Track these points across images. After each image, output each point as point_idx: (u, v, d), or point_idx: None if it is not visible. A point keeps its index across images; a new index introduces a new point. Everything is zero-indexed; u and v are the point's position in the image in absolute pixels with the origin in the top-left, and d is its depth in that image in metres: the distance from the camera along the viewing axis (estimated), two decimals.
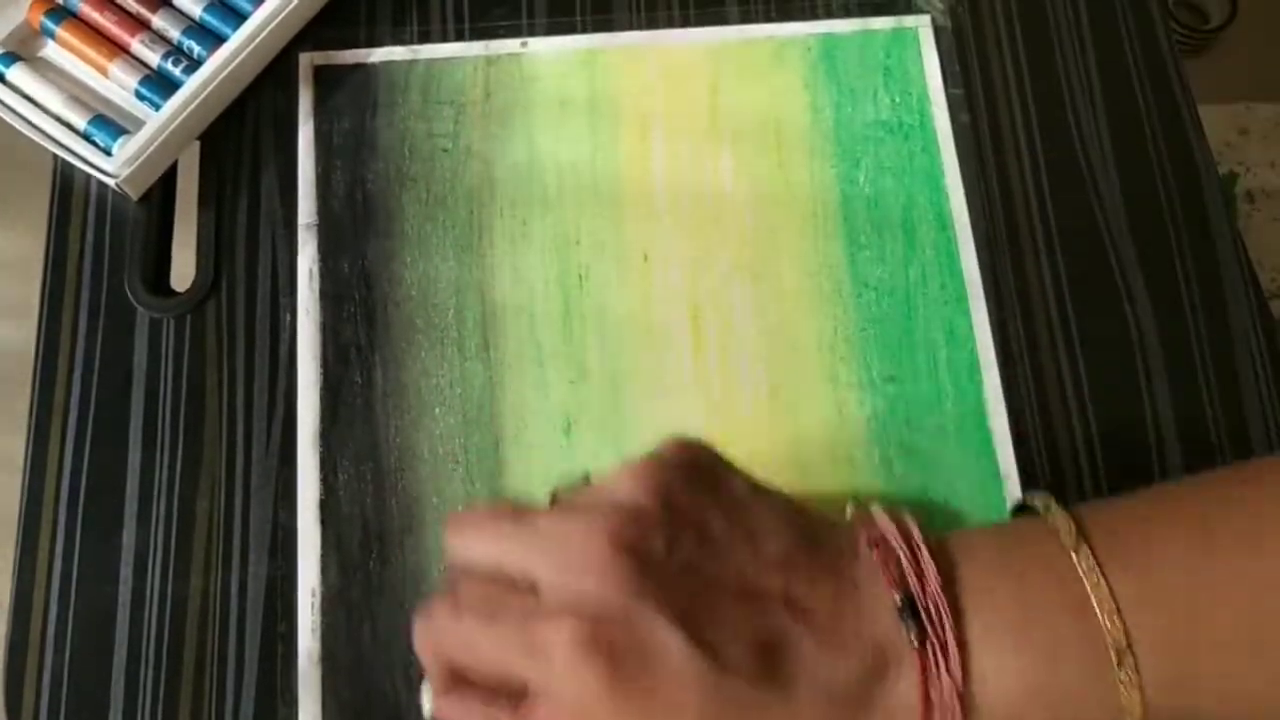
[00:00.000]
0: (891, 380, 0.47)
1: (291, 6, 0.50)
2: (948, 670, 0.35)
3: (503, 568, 0.35)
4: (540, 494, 0.45)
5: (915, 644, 0.34)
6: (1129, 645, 0.35)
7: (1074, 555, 0.36)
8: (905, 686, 0.35)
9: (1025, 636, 0.35)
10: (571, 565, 0.34)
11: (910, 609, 0.35)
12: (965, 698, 0.35)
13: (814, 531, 0.36)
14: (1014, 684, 0.35)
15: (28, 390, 0.48)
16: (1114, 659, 0.35)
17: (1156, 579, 0.36)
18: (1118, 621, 0.35)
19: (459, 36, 0.53)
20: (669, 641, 0.33)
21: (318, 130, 0.51)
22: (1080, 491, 0.45)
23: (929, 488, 0.45)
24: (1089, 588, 0.35)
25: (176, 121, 0.49)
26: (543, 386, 0.47)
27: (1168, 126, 0.51)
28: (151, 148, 0.48)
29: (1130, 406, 0.47)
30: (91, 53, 0.51)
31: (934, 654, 0.35)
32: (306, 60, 0.52)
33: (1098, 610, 0.35)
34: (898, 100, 0.51)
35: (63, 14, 0.51)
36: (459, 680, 0.36)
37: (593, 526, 0.34)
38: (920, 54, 0.52)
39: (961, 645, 0.35)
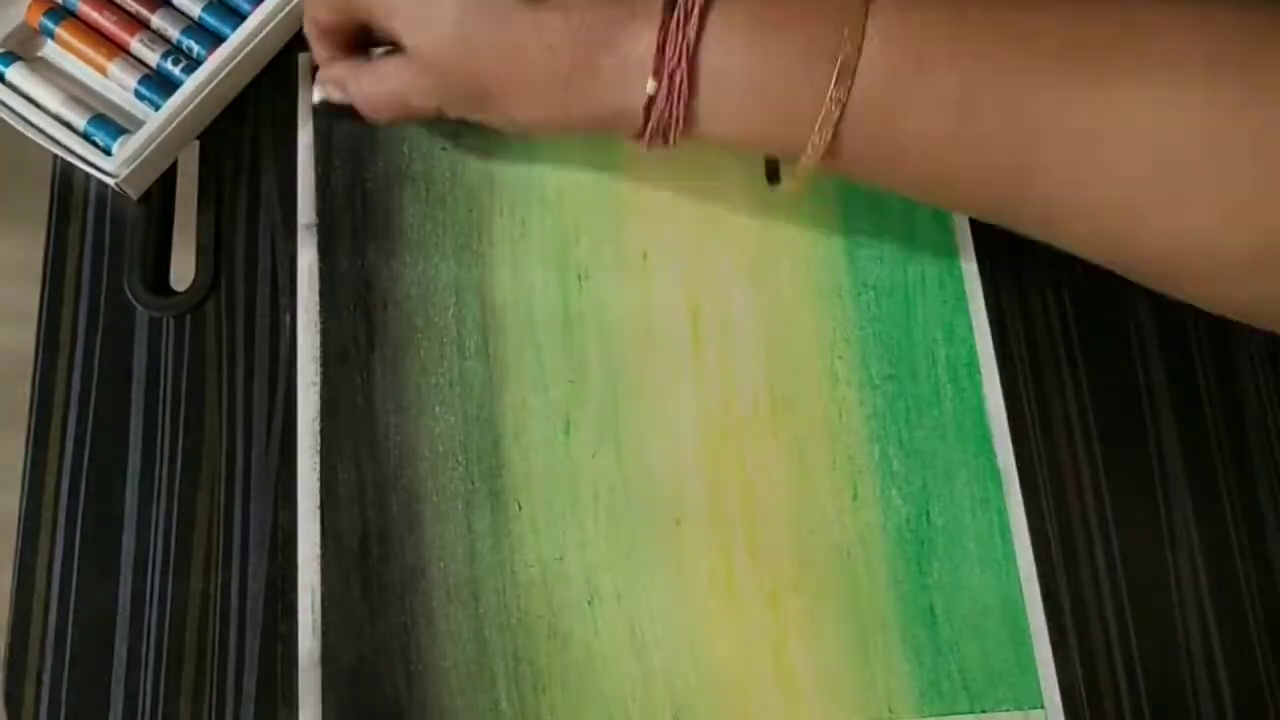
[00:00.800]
0: (891, 379, 0.47)
1: (290, 6, 0.50)
2: (683, 31, 0.39)
3: None
4: (540, 493, 0.46)
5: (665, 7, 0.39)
6: (853, 70, 0.37)
7: None
8: (646, 38, 0.39)
9: (763, 30, 0.39)
10: None
11: None
12: (694, 61, 0.39)
13: None
14: (738, 62, 0.39)
15: (27, 391, 0.48)
16: (834, 73, 0.37)
17: (913, 23, 0.38)
18: (855, 43, 0.37)
19: None
20: None
21: (317, 130, 0.51)
22: (1079, 485, 0.45)
23: (928, 485, 0.45)
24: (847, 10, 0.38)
25: (176, 121, 0.49)
26: (542, 385, 0.47)
27: None
28: (151, 147, 0.48)
29: (1127, 398, 0.47)
30: (91, 52, 0.51)
31: (679, 15, 0.39)
32: (305, 59, 0.52)
33: (845, 31, 0.38)
34: None
35: (62, 14, 0.51)
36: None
37: None
38: None
39: (703, 16, 0.38)
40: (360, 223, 0.50)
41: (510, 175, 0.51)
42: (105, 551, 0.45)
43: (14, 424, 0.49)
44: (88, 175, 0.50)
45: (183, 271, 0.50)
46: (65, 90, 0.50)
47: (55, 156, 0.51)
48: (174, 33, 0.51)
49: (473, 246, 0.49)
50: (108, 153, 0.49)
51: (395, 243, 0.50)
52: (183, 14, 0.52)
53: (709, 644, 0.44)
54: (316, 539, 0.45)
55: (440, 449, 0.46)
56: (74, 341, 0.48)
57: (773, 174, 0.48)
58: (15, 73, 0.50)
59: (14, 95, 0.50)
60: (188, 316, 0.49)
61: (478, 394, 0.47)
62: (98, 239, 0.50)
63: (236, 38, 0.50)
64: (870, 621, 0.44)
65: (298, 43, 0.52)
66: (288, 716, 0.43)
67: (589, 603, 0.44)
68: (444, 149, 0.51)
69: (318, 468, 0.46)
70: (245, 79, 0.52)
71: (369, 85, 0.45)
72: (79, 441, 0.47)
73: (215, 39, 0.50)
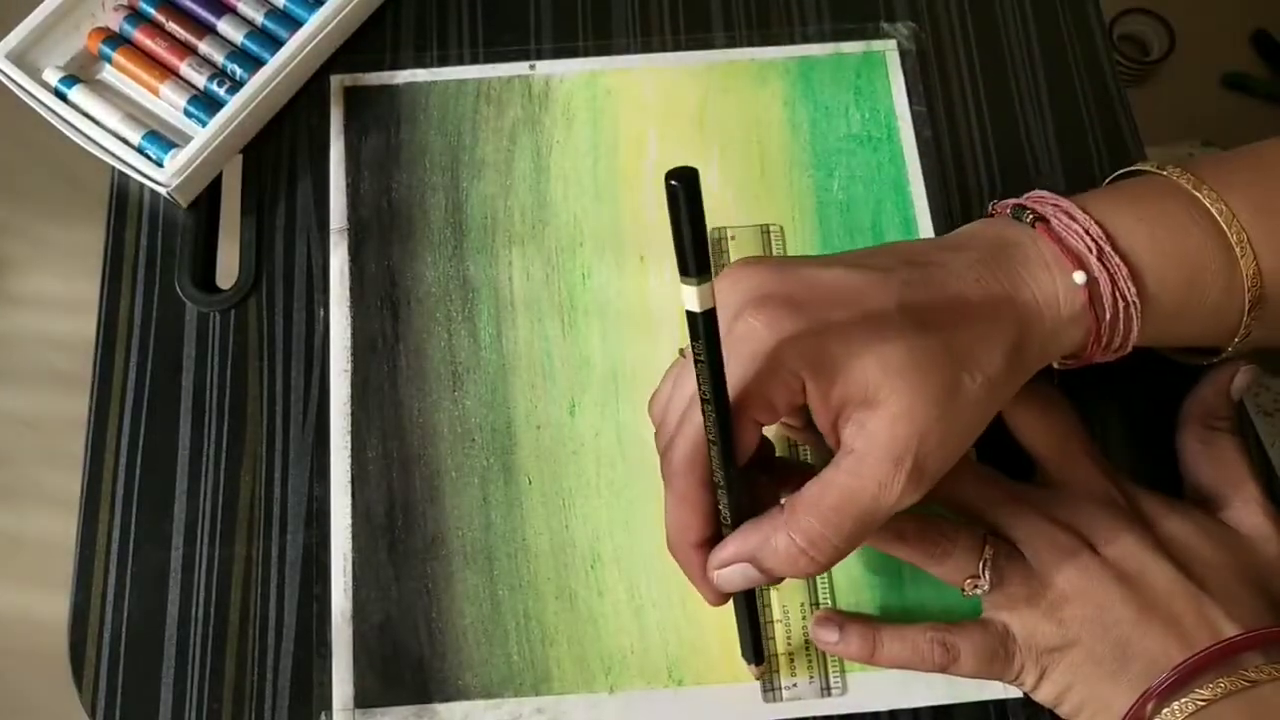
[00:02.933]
0: None
1: (324, 33, 0.52)
2: (1077, 221, 0.40)
3: None
4: (548, 469, 0.47)
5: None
6: (1248, 242, 0.40)
7: (1184, 182, 0.41)
8: (1036, 247, 0.40)
9: (1147, 219, 0.40)
10: None
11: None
12: (1103, 232, 0.40)
13: None
14: (1143, 242, 0.40)
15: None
16: (1235, 243, 0.40)
17: (1268, 193, 0.40)
18: (1235, 224, 0.40)
19: (474, 60, 0.55)
20: None
21: (348, 145, 0.53)
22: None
23: None
24: (1205, 200, 0.41)
25: (221, 137, 0.50)
26: (550, 373, 0.49)
27: (1110, 142, 0.53)
28: (199, 160, 0.50)
29: (1082, 390, 0.48)
30: (144, 75, 0.52)
31: (1057, 219, 0.40)
32: (338, 82, 0.54)
33: (1213, 212, 0.40)
34: (867, 116, 0.53)
35: (118, 40, 0.53)
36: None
37: None
38: (888, 75, 0.54)
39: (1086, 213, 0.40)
40: (387, 228, 0.52)
41: (521, 185, 0.52)
42: (159, 521, 0.47)
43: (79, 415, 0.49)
44: (142, 185, 0.52)
45: (227, 271, 0.52)
46: (122, 109, 0.52)
47: (113, 168, 0.53)
48: (219, 57, 0.53)
49: (488, 249, 0.51)
50: (160, 165, 0.51)
51: (418, 245, 0.51)
52: (227, 41, 0.53)
53: (699, 604, 0.43)
54: (348, 510, 0.47)
55: (459, 429, 0.48)
56: (130, 334, 0.50)
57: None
58: (77, 94, 0.52)
59: (76, 114, 0.51)
60: (232, 311, 0.50)
61: (492, 380, 0.49)
62: (151, 242, 0.52)
63: (276, 61, 0.52)
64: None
65: (331, 66, 0.54)
66: (322, 667, 0.45)
67: (591, 567, 0.46)
68: (462, 161, 0.53)
69: (349, 446, 0.48)
70: (283, 99, 0.53)
71: (809, 517, 0.37)
72: (135, 422, 0.48)
73: (257, 63, 0.52)
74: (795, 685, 0.45)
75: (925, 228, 0.52)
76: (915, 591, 0.46)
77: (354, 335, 0.50)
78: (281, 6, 0.54)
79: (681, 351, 0.37)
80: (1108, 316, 0.40)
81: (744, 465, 0.38)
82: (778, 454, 0.48)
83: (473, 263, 0.51)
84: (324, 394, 0.49)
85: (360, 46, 0.56)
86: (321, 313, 0.51)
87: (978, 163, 0.53)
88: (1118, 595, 0.41)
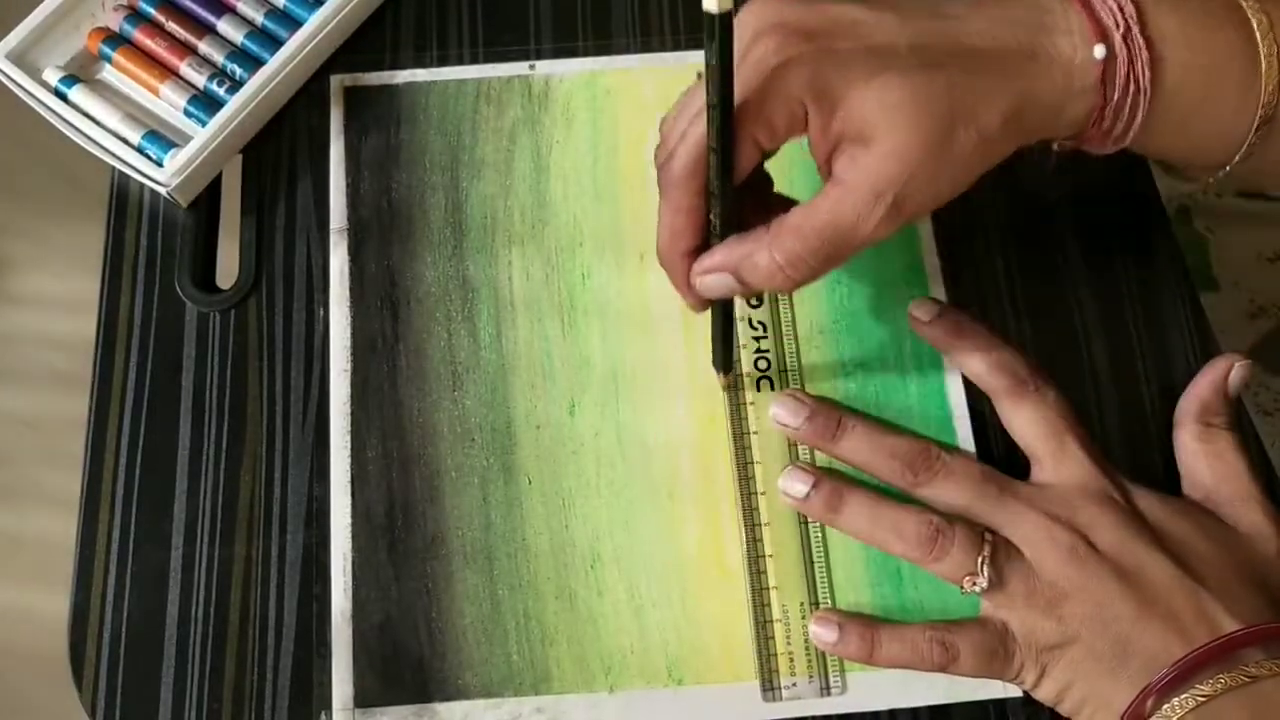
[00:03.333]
0: (861, 366, 0.49)
1: (324, 33, 0.52)
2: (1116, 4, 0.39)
3: None
4: (548, 469, 0.47)
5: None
6: (1275, 56, 0.40)
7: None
8: (1065, 14, 0.39)
9: (1182, 9, 0.40)
10: None
11: None
12: (1136, 12, 0.39)
13: None
14: (1172, 31, 0.40)
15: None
16: (1263, 54, 0.40)
17: None
18: (1270, 37, 0.40)
19: (474, 60, 0.55)
20: None
21: (348, 145, 0.53)
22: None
23: None
24: (1247, 8, 0.40)
25: (221, 136, 0.50)
26: (550, 372, 0.49)
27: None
28: (199, 160, 0.50)
29: (1074, 387, 0.49)
30: (144, 75, 0.52)
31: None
32: (337, 82, 0.54)
33: (1252, 21, 0.40)
34: None
35: (118, 40, 0.53)
36: None
37: None
38: None
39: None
40: (387, 228, 0.52)
41: (521, 185, 0.52)
42: (159, 521, 0.47)
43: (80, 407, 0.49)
44: (142, 185, 0.52)
45: (227, 271, 0.51)
46: (122, 109, 0.52)
47: (113, 168, 0.52)
48: (219, 57, 0.53)
49: (488, 249, 0.51)
50: (160, 165, 0.51)
51: (418, 245, 0.51)
52: (227, 41, 0.53)
53: (699, 604, 0.45)
54: (348, 510, 0.47)
55: (459, 429, 0.48)
56: (130, 334, 0.50)
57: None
58: (77, 93, 0.52)
59: (76, 114, 0.51)
60: (232, 311, 0.50)
61: (492, 380, 0.49)
62: (151, 242, 0.52)
63: (275, 61, 0.52)
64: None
65: (331, 66, 0.54)
66: (322, 667, 0.45)
67: (591, 567, 0.46)
68: (462, 161, 0.53)
69: (349, 446, 0.48)
70: (283, 99, 0.53)
71: (791, 238, 0.39)
72: (135, 422, 0.48)
73: (256, 63, 0.52)
74: (795, 685, 0.45)
75: (924, 224, 0.52)
76: (914, 591, 0.46)
77: (354, 335, 0.50)
78: (281, 6, 0.54)
79: (699, 74, 0.38)
80: (1115, 98, 0.40)
81: (740, 185, 0.40)
82: (787, 462, 0.48)
83: (472, 263, 0.51)
84: (324, 394, 0.49)
85: (360, 46, 0.56)
86: (321, 312, 0.51)
87: None
88: (1116, 592, 0.41)
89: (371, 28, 0.56)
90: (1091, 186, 0.53)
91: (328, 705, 0.44)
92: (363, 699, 0.44)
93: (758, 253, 0.40)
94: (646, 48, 0.55)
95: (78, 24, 0.54)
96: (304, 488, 0.48)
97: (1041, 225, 0.52)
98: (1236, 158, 0.42)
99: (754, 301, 0.51)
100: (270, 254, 0.52)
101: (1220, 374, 0.47)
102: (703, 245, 0.42)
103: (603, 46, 0.56)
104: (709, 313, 0.46)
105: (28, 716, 1.16)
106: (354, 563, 0.46)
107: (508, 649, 0.45)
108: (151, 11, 0.54)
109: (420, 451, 0.48)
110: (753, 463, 0.48)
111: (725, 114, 0.37)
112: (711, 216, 0.41)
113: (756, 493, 0.48)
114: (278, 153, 0.54)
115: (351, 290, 0.51)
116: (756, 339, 0.50)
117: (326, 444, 0.48)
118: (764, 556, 0.47)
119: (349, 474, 0.48)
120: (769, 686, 0.45)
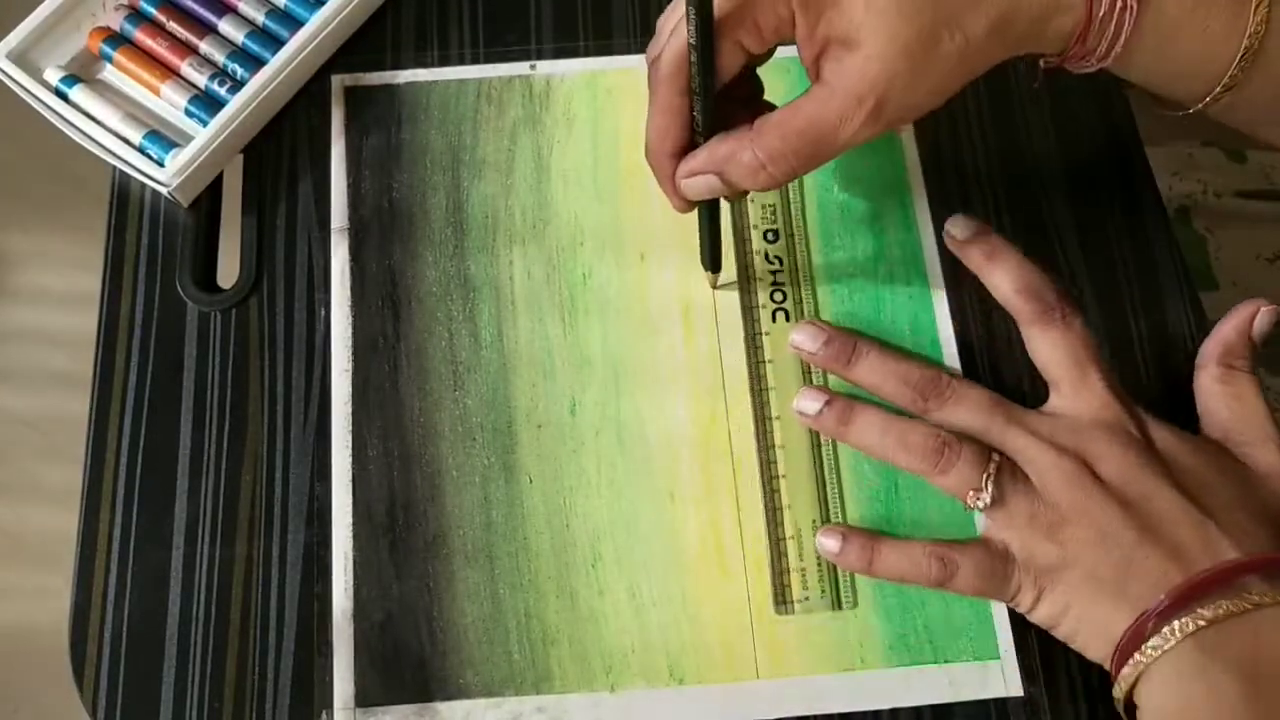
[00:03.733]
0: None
1: (325, 33, 0.52)
2: None
3: None
4: (549, 468, 0.47)
5: None
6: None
7: None
8: None
9: None
10: None
11: None
12: None
13: None
14: None
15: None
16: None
17: None
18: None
19: (474, 60, 0.55)
20: None
21: (349, 144, 0.53)
22: None
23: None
24: None
25: (222, 136, 0.51)
26: (551, 372, 0.49)
27: (1110, 137, 0.54)
28: (200, 160, 0.50)
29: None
30: (145, 75, 0.53)
31: None
32: (338, 82, 0.54)
33: None
34: None
35: (119, 40, 0.53)
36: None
37: None
38: None
39: None
40: (387, 227, 0.52)
41: (522, 185, 0.52)
42: (160, 520, 0.47)
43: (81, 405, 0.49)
44: (143, 185, 0.52)
45: (228, 271, 0.52)
46: (122, 109, 0.52)
47: (114, 168, 0.52)
48: (220, 57, 0.53)
49: (489, 248, 0.51)
50: (161, 164, 0.51)
51: (419, 245, 0.51)
52: (228, 40, 0.53)
53: (700, 604, 0.45)
54: (349, 509, 0.47)
55: (460, 428, 0.48)
56: (131, 333, 0.50)
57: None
58: (78, 93, 0.52)
59: (77, 113, 0.51)
60: (233, 311, 0.50)
61: (493, 380, 0.49)
62: (152, 242, 0.52)
63: (276, 61, 0.52)
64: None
65: (332, 66, 0.55)
66: (323, 666, 0.45)
67: (592, 566, 0.46)
68: (463, 161, 0.53)
69: (350, 445, 0.48)
70: (284, 99, 0.53)
71: (773, 136, 0.41)
72: (136, 422, 0.48)
73: (257, 63, 0.52)
74: (808, 599, 0.46)
75: (925, 227, 0.52)
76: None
77: (355, 334, 0.50)
78: (282, 6, 0.54)
79: None
80: (1101, 12, 0.40)
81: (728, 88, 0.42)
82: (801, 386, 0.49)
83: (474, 262, 0.52)
84: (325, 393, 0.49)
85: (361, 46, 0.56)
86: (322, 312, 0.51)
87: (978, 162, 0.54)
88: (1119, 518, 0.42)
89: (372, 27, 0.56)
90: (1091, 186, 0.53)
91: (329, 704, 0.44)
92: (364, 698, 0.44)
93: (741, 151, 0.41)
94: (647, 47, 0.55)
95: (78, 24, 0.54)
96: (305, 487, 0.48)
97: (1041, 226, 0.53)
98: (1217, 88, 0.42)
99: (758, 222, 0.52)
100: (271, 253, 0.52)
101: (1245, 318, 0.47)
102: (689, 146, 0.43)
103: (603, 46, 0.56)
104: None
105: (28, 716, 1.16)
106: (355, 562, 0.46)
107: (509, 648, 0.45)
108: (152, 11, 0.54)
109: (421, 450, 0.48)
110: (768, 389, 0.49)
111: (704, 12, 0.38)
112: (695, 113, 0.42)
113: (771, 418, 0.49)
114: (279, 152, 0.54)
115: (352, 290, 0.51)
116: (773, 273, 0.51)
117: (328, 443, 0.48)
118: (778, 477, 0.48)
119: (350, 473, 0.48)
120: (781, 600, 0.46)
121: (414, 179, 0.53)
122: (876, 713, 0.45)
